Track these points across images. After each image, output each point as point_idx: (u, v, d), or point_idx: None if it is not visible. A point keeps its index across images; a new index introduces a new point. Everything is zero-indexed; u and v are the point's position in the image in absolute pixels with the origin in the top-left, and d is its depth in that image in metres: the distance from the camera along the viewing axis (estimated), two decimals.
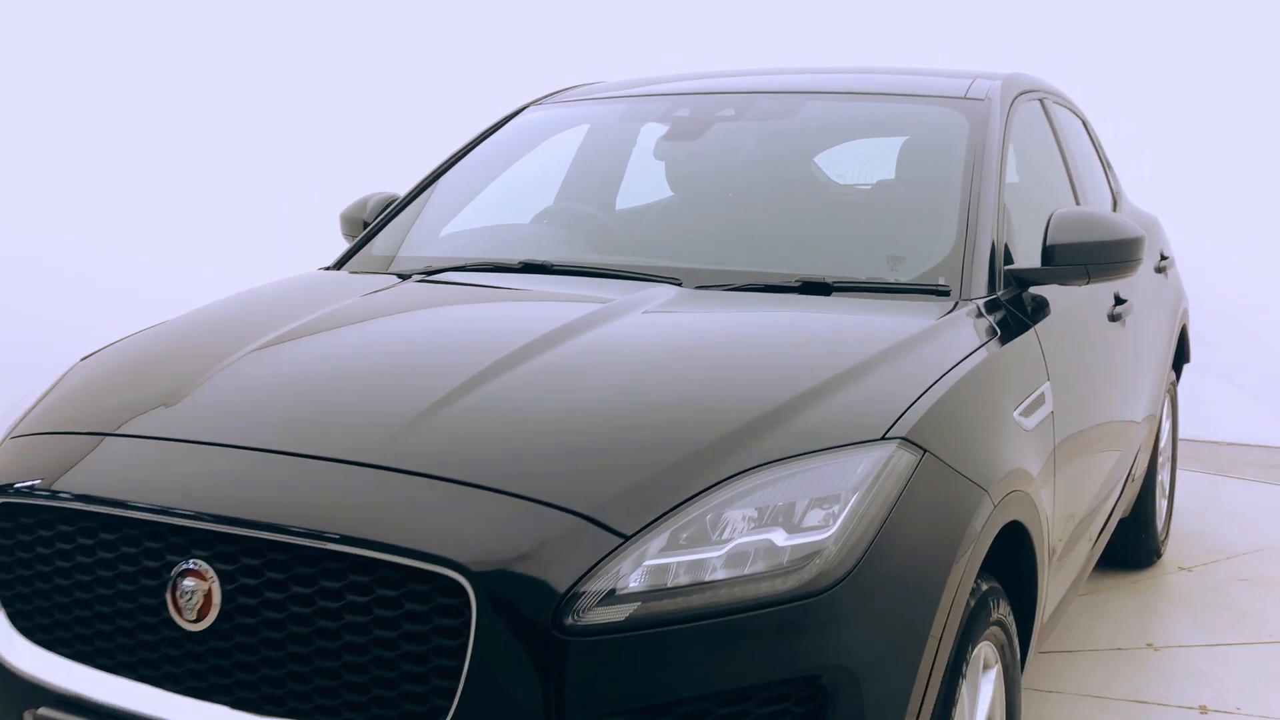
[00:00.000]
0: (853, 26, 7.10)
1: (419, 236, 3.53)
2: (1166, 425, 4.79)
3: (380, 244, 3.51)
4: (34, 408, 2.54)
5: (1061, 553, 2.94)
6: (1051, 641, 3.85)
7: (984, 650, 2.31)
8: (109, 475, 2.22)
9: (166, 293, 5.52)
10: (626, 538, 1.88)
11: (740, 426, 2.08)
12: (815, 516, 1.94)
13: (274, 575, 1.95)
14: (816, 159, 3.61)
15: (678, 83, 3.89)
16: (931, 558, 2.06)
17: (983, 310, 2.73)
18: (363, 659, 1.89)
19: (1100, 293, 3.48)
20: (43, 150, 7.66)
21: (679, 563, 1.87)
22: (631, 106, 3.90)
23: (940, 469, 2.13)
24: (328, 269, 3.46)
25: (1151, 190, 5.71)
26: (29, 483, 2.24)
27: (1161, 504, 4.78)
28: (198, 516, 2.02)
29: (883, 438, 2.09)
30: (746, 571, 1.88)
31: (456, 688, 1.83)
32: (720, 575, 1.87)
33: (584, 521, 1.90)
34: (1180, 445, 5.48)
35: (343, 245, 3.71)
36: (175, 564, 2.02)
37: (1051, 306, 3.00)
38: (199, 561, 2.00)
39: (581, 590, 1.84)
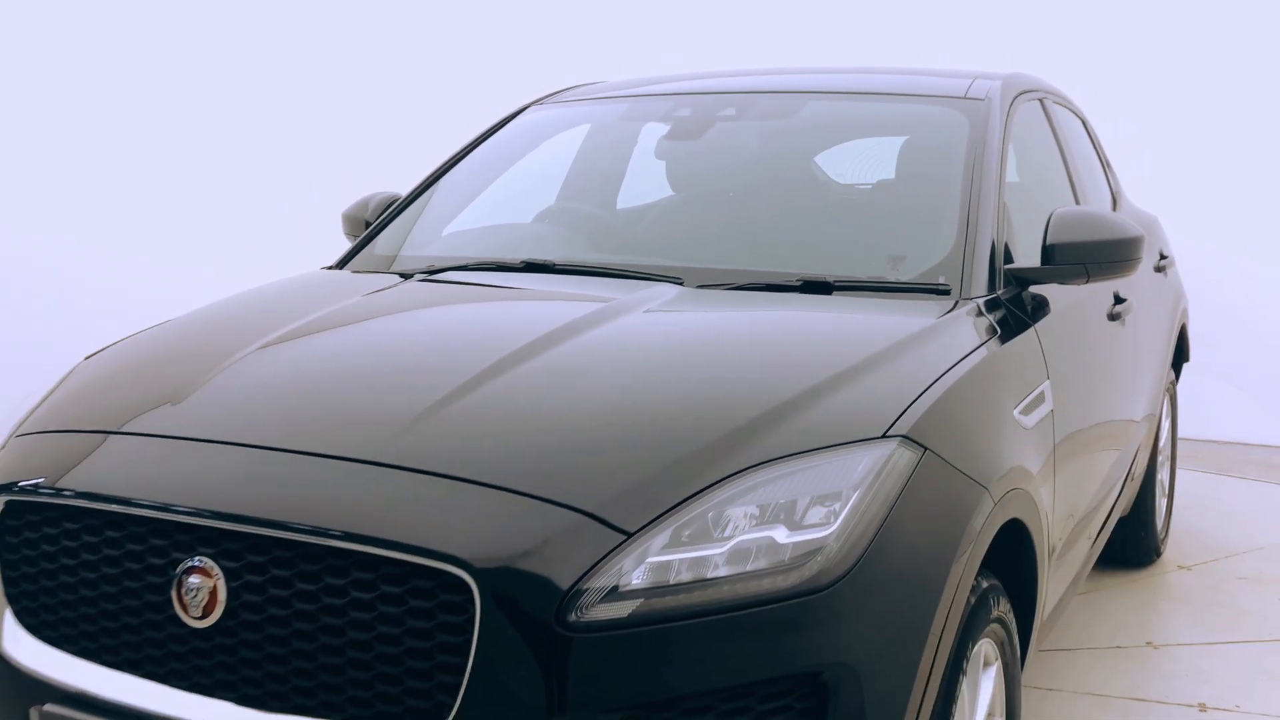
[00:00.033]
0: (853, 26, 7.11)
1: (421, 236, 3.54)
2: (1166, 424, 4.80)
3: (382, 243, 3.52)
4: (39, 406, 2.55)
5: (1061, 551, 2.95)
6: (1051, 639, 3.85)
7: (984, 647, 2.33)
8: (114, 473, 2.23)
9: (167, 293, 5.53)
10: (629, 535, 1.89)
11: (742, 425, 2.09)
12: (816, 514, 1.95)
13: (279, 572, 1.96)
14: (817, 159, 3.62)
15: (679, 83, 3.89)
16: (932, 555, 2.08)
17: (983, 309, 2.74)
18: (367, 655, 1.90)
19: (1100, 292, 3.49)
20: (43, 150, 7.65)
21: (681, 560, 1.88)
22: (632, 106, 3.91)
23: (941, 467, 2.15)
24: (330, 268, 3.47)
25: (1151, 190, 5.72)
26: (34, 481, 2.25)
27: (1161, 503, 4.79)
28: (202, 514, 2.03)
29: (883, 436, 2.10)
30: (748, 568, 1.89)
31: (460, 684, 1.84)
32: (722, 572, 1.89)
33: (587, 519, 1.91)
34: (1180, 444, 5.49)
35: (345, 245, 3.72)
36: (180, 561, 2.03)
37: (1051, 305, 3.02)
38: (204, 559, 2.01)
39: (585, 587, 1.85)
